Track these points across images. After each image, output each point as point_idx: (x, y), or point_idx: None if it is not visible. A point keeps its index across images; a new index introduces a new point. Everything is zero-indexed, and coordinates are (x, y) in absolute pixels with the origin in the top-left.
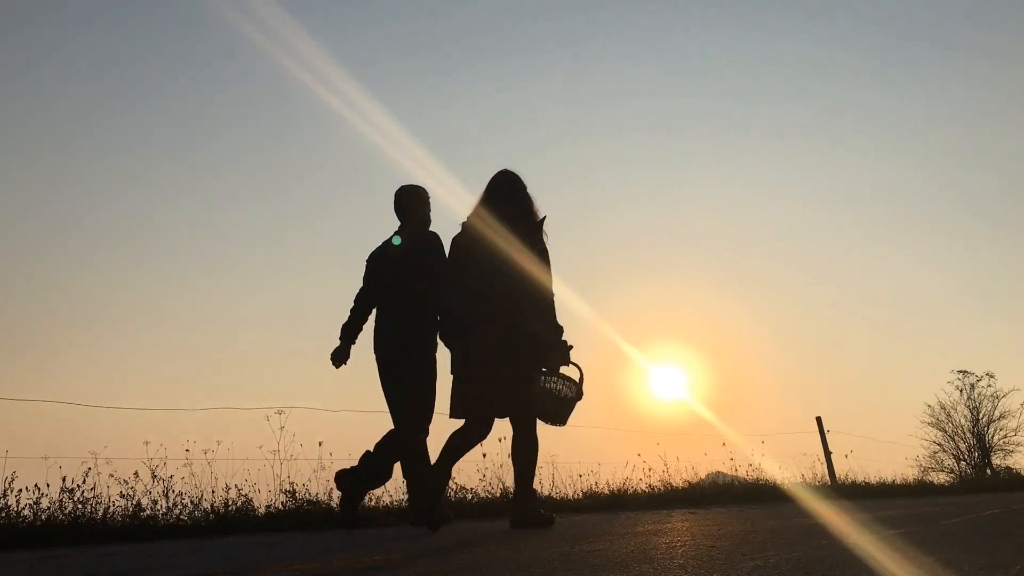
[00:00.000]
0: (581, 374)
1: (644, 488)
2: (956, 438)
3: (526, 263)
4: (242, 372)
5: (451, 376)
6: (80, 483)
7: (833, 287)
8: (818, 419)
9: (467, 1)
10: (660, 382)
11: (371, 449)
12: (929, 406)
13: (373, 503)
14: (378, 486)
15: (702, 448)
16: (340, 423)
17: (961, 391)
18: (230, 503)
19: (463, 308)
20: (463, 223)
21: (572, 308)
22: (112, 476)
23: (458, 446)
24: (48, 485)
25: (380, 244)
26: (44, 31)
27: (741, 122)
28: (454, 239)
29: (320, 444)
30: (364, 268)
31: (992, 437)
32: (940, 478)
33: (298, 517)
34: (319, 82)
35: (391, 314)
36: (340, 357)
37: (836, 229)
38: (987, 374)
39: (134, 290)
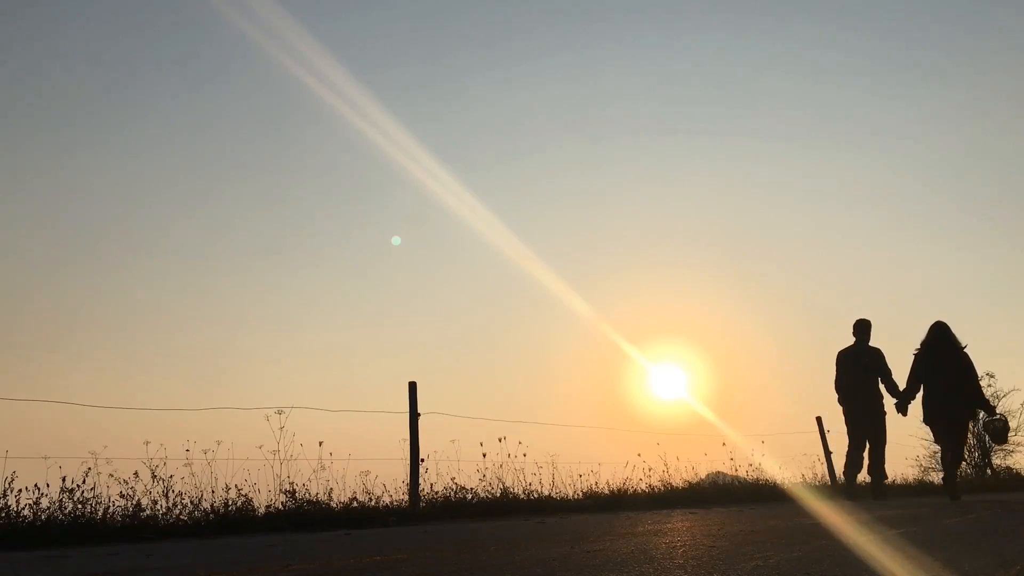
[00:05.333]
0: (1005, 418)
1: (644, 488)
2: None
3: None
4: (242, 372)
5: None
6: (80, 483)
7: (833, 287)
8: (818, 419)
9: (468, 2)
10: (660, 382)
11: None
12: None
13: (373, 503)
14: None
15: (702, 448)
16: (340, 423)
17: None
18: (230, 503)
19: (936, 386)
20: (922, 345)
21: (574, 308)
22: (112, 476)
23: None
24: (48, 485)
25: (847, 347)
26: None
27: (742, 121)
28: (920, 355)
29: (320, 444)
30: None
31: None
32: (940, 478)
33: (298, 517)
34: (321, 82)
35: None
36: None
37: (836, 228)
38: (987, 374)
39: (134, 290)
